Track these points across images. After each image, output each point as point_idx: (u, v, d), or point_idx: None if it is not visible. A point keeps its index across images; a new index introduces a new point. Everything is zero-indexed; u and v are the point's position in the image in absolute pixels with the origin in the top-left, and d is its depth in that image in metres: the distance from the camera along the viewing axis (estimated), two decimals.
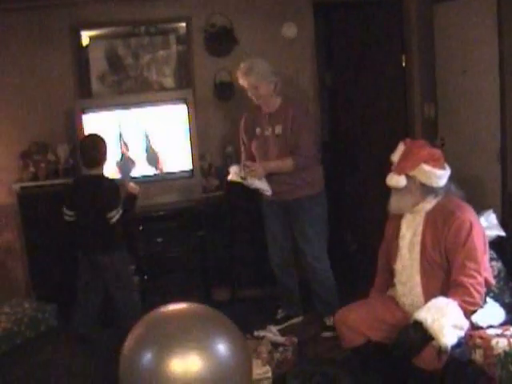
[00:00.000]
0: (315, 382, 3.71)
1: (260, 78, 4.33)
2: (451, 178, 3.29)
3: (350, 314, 3.39)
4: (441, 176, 3.21)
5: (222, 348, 1.39)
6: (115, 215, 4.19)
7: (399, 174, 3.25)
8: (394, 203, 3.33)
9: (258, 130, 4.50)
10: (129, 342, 1.43)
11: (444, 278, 3.20)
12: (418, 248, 3.26)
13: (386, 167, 3.36)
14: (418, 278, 3.25)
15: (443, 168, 3.24)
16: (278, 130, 4.38)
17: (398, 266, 3.38)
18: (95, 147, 4.24)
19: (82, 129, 4.90)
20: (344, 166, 6.30)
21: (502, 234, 3.58)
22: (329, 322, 4.57)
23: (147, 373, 1.35)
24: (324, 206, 4.55)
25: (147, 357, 1.37)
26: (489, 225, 3.56)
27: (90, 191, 4.23)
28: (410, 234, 3.33)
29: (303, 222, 4.49)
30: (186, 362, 1.35)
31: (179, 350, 1.36)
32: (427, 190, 3.25)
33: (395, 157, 3.32)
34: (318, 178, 4.53)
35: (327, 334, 4.53)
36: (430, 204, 3.28)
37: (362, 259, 5.83)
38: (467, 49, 4.68)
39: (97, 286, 4.38)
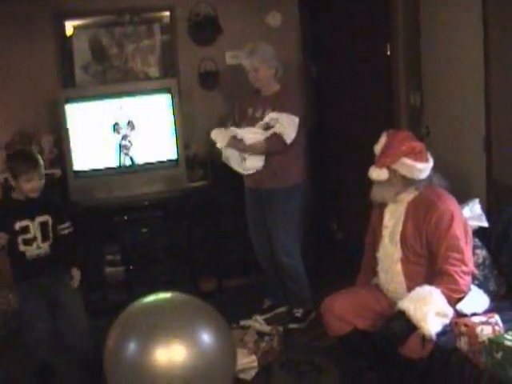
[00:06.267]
0: (301, 371, 3.73)
1: (261, 61, 4.32)
2: (434, 168, 3.30)
3: (336, 302, 3.39)
4: (422, 169, 3.23)
5: (205, 337, 1.38)
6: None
7: (380, 167, 3.26)
8: (376, 193, 3.35)
9: (249, 111, 4.48)
10: (113, 331, 1.43)
11: (427, 266, 3.22)
12: (398, 237, 3.28)
13: (372, 156, 3.37)
14: (399, 266, 3.27)
15: (425, 161, 3.25)
16: (267, 113, 4.34)
17: (381, 254, 3.41)
18: None
19: (65, 119, 4.87)
20: (329, 155, 6.30)
21: (485, 224, 3.58)
22: (297, 313, 4.58)
23: (132, 361, 1.34)
24: (299, 201, 4.47)
25: (132, 346, 1.36)
26: (473, 215, 3.56)
27: None
28: (392, 223, 3.35)
29: (275, 215, 4.44)
30: (170, 351, 1.34)
31: (163, 339, 1.35)
32: (408, 182, 3.27)
33: (377, 149, 3.33)
34: (296, 171, 4.45)
35: (294, 325, 4.54)
36: (412, 194, 3.30)
37: (347, 247, 5.84)
38: (453, 37, 4.68)
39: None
